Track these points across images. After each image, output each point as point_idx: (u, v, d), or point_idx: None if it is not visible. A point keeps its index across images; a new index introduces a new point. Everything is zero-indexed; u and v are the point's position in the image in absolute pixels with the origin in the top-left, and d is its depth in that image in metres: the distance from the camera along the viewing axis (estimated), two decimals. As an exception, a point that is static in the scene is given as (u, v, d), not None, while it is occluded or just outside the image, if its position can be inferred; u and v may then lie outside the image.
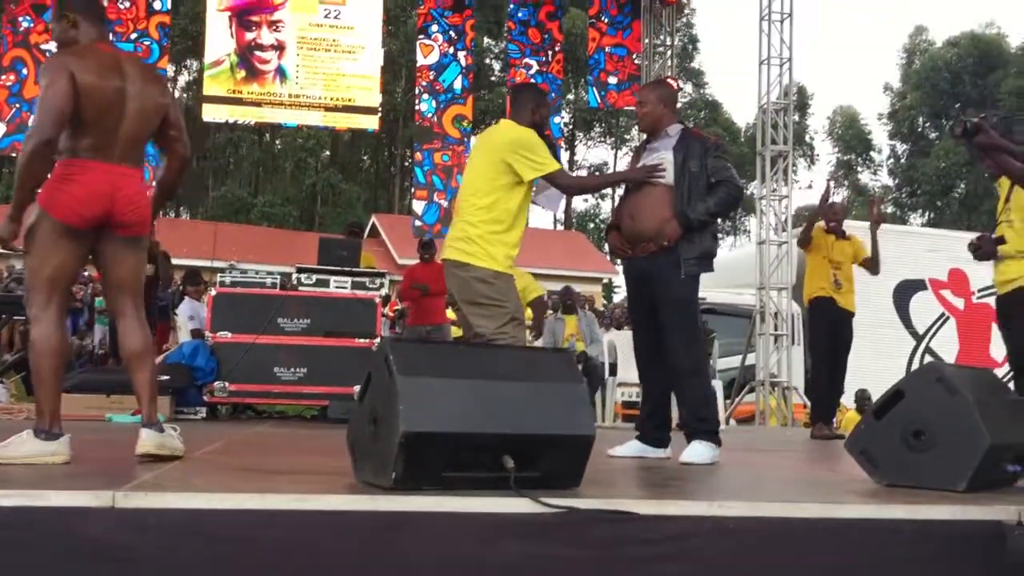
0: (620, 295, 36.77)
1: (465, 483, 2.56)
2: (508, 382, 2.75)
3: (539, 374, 2.84)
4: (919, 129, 43.96)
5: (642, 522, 2.47)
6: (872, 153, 45.88)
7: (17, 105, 9.50)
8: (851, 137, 45.45)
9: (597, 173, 33.55)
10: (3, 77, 9.63)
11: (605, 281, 31.97)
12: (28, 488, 2.45)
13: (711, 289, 13.69)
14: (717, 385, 8.81)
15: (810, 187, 40.08)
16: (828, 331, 7.02)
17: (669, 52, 11.34)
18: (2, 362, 8.49)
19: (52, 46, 9.39)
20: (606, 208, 42.22)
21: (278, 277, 7.63)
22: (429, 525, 2.38)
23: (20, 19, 9.59)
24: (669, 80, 4.66)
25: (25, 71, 9.51)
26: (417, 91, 10.95)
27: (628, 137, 36.88)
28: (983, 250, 5.61)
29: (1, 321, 9.24)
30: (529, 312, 6.85)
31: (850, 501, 2.84)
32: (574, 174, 38.79)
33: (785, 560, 2.52)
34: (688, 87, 41.33)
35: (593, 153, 43.15)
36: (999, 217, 5.57)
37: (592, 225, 41.24)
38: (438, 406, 2.58)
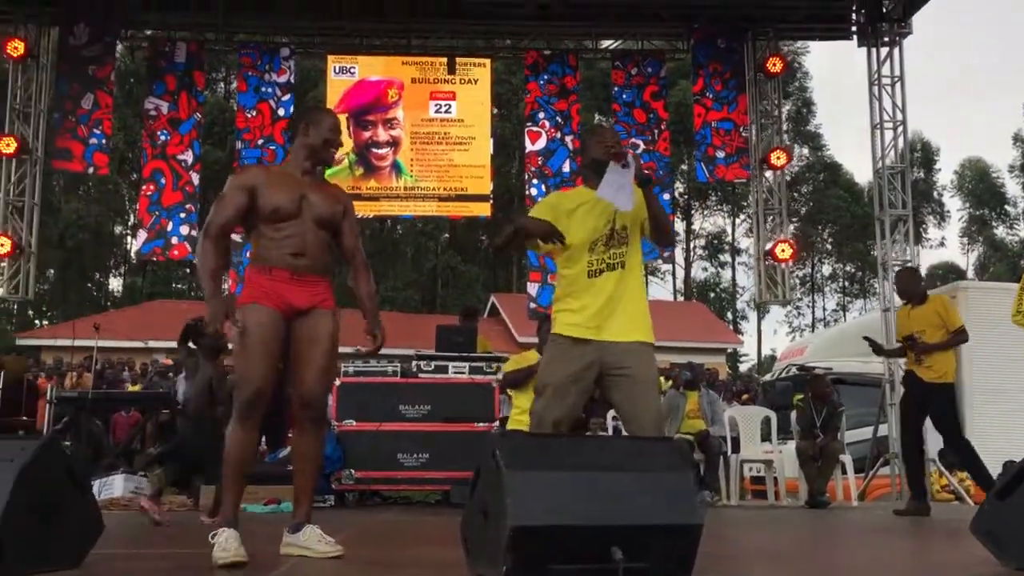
0: (746, 365, 36.00)
1: (574, 575, 2.60)
2: (614, 472, 2.79)
3: (645, 464, 2.88)
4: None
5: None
6: (1007, 207, 43.98)
7: (156, 213, 10.18)
8: (982, 191, 43.70)
9: None
10: (144, 187, 10.38)
11: (730, 351, 31.39)
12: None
13: (837, 358, 13.31)
14: (847, 460, 8.54)
15: (942, 244, 38.59)
16: (913, 406, 6.89)
17: (776, 124, 11.30)
18: (147, 456, 8.90)
19: (188, 156, 10.21)
20: (726, 277, 41.72)
21: (399, 365, 7.86)
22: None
23: (159, 133, 10.35)
24: None
25: (163, 180, 10.22)
26: (527, 176, 11.23)
27: (744, 204, 36.47)
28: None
29: (146, 416, 9.76)
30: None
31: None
32: (678, 242, 38.43)
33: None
34: (804, 150, 40.81)
35: (710, 221, 42.77)
36: None
37: (713, 295, 40.69)
38: (546, 499, 2.64)
